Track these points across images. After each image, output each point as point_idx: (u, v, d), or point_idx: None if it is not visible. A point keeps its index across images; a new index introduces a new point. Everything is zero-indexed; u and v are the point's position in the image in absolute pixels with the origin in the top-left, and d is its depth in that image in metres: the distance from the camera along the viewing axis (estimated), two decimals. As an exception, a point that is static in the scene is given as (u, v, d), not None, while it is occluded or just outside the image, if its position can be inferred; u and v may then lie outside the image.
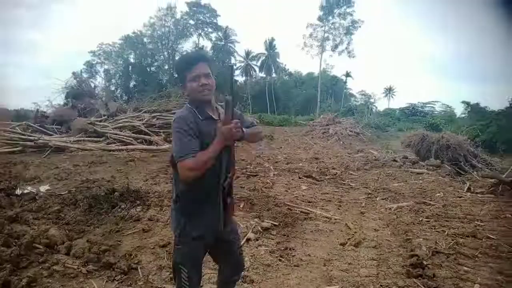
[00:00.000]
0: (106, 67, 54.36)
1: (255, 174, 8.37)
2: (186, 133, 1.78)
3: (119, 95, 48.32)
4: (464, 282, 3.20)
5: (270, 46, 58.89)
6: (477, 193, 7.00)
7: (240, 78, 59.96)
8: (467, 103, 23.75)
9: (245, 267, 2.35)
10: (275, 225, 4.73)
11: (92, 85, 21.88)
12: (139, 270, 3.38)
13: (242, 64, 60.14)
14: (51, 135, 13.36)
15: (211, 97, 1.92)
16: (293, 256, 3.86)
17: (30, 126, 13.89)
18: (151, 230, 4.35)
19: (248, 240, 4.14)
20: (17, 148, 11.26)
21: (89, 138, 12.82)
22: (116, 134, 13.18)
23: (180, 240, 1.91)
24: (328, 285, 3.21)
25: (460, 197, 6.51)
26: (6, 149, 11.12)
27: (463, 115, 26.84)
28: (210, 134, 1.81)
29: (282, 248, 4.02)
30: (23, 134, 12.32)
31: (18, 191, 5.81)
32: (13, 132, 12.43)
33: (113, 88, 52.34)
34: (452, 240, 4.23)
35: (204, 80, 1.84)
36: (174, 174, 1.92)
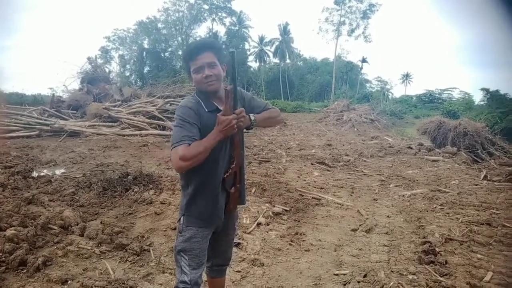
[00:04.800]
0: (120, 52, 54.71)
1: (267, 160, 8.35)
2: (185, 121, 1.70)
3: (133, 81, 48.75)
4: (477, 270, 3.14)
5: (285, 31, 58.04)
6: (493, 181, 6.86)
7: (254, 64, 59.55)
8: (487, 90, 22.99)
9: (230, 264, 2.29)
10: (286, 210, 4.73)
11: (107, 70, 22.02)
12: (151, 251, 3.43)
13: (256, 50, 59.59)
14: (66, 119, 13.58)
15: (218, 87, 1.81)
16: (303, 241, 3.86)
17: (46, 111, 14.16)
18: (163, 213, 4.41)
19: (259, 224, 4.15)
20: (34, 132, 11.48)
21: (104, 123, 12.98)
22: (130, 119, 13.30)
23: (183, 227, 1.86)
24: (338, 270, 3.21)
25: (476, 185, 6.38)
26: (23, 133, 11.35)
27: (482, 102, 25.99)
28: (213, 126, 1.71)
29: (293, 233, 4.02)
30: (39, 119, 12.56)
31: (35, 174, 5.94)
32: (30, 116, 12.68)
33: (127, 74, 52.88)
34: (466, 227, 4.15)
35: (208, 71, 1.74)
36: None
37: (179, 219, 1.89)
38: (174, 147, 1.66)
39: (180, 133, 1.67)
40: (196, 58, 1.75)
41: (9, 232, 3.26)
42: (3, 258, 2.95)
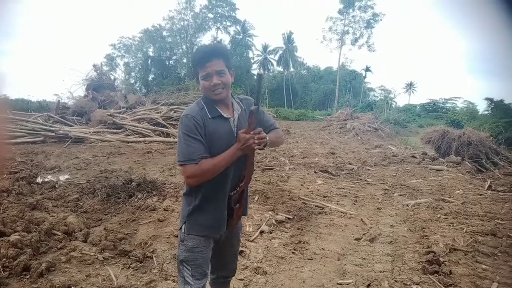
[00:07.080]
0: (126, 60, 55.16)
1: (270, 167, 8.35)
2: (190, 137, 1.66)
3: (138, 88, 48.93)
4: (482, 280, 3.11)
5: (288, 39, 58.47)
6: (498, 191, 6.81)
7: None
8: (491, 100, 22.95)
9: (234, 275, 2.24)
10: (289, 218, 4.71)
11: (112, 77, 22.13)
12: (154, 258, 3.42)
13: (260, 58, 59.94)
14: (71, 126, 13.68)
15: (225, 95, 1.76)
16: (306, 249, 3.85)
17: (52, 117, 14.27)
18: (166, 220, 4.41)
19: (262, 232, 4.14)
20: (39, 138, 11.55)
21: (108, 130, 13.06)
22: (134, 126, 13.38)
23: (185, 236, 1.82)
24: (342, 279, 3.18)
25: (480, 195, 6.34)
26: (29, 139, 11.43)
27: (486, 112, 25.92)
28: (217, 133, 1.70)
29: (296, 241, 4.01)
30: (44, 125, 12.65)
31: (39, 180, 5.98)
32: (35, 122, 12.77)
33: (132, 81, 53.15)
34: (471, 237, 4.12)
35: (216, 79, 1.68)
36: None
37: (181, 227, 1.86)
38: (184, 164, 1.65)
39: (187, 150, 1.65)
40: (206, 65, 1.69)
41: (13, 237, 3.27)
42: (7, 263, 2.96)
